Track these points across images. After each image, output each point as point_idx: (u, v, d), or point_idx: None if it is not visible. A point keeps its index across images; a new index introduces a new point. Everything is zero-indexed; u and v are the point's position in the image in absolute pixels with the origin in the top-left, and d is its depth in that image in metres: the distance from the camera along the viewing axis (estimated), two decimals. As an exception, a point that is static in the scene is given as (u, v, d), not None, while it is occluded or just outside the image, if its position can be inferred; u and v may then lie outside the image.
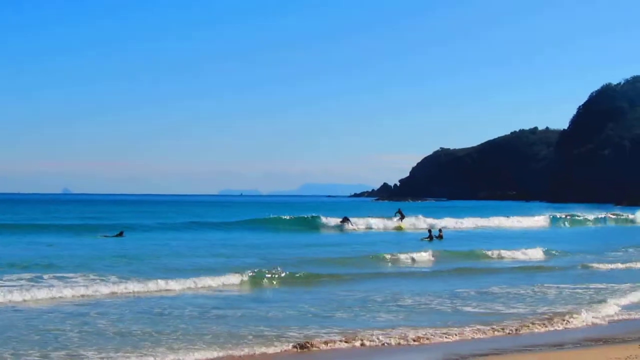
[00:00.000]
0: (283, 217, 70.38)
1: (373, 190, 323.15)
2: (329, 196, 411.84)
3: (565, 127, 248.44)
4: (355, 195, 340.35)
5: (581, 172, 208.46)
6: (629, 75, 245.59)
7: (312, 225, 66.52)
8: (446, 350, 15.79)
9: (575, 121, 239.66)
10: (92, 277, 25.84)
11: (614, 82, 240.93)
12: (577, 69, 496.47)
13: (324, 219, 68.17)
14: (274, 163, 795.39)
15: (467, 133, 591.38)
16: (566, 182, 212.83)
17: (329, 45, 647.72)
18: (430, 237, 52.12)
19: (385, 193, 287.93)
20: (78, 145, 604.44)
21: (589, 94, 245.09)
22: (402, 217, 68.89)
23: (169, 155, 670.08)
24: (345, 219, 67.72)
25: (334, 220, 67.96)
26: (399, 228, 66.01)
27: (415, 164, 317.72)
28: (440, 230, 55.90)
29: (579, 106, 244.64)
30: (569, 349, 15.98)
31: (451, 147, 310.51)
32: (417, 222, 69.29)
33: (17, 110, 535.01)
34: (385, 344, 16.37)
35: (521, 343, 16.70)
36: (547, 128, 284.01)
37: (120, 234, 52.87)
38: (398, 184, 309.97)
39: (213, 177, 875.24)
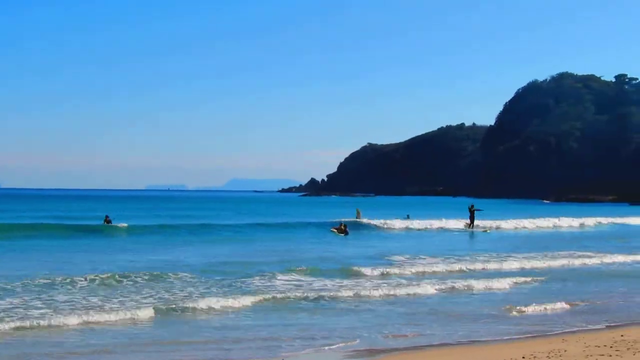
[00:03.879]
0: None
1: (301, 185, 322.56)
2: (256, 191, 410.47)
3: (492, 123, 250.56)
4: (283, 190, 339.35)
5: (507, 167, 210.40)
6: (554, 72, 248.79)
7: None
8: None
9: (502, 117, 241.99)
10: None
11: (540, 78, 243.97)
12: (504, 66, 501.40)
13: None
14: (200, 158, 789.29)
15: (395, 129, 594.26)
16: (493, 177, 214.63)
17: (256, 39, 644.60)
18: (343, 231, 50.55)
19: (313, 188, 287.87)
20: (5, 139, 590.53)
21: (515, 90, 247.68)
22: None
23: (96, 150, 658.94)
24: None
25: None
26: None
27: (342, 160, 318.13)
28: (343, 224, 51.89)
29: (506, 102, 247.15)
30: (489, 344, 15.84)
31: (379, 143, 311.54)
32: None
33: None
34: None
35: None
36: (473, 124, 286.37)
37: (108, 221, 51.25)
38: (326, 179, 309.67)
39: (139, 171, 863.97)
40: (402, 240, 47.78)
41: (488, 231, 58.73)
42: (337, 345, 15.42)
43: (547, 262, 32.11)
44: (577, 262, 32.72)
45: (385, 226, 58.93)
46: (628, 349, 14.04)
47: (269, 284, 23.57)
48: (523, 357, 13.52)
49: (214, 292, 21.27)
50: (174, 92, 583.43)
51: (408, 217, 70.73)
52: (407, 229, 59.21)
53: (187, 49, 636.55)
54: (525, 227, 64.45)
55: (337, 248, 39.18)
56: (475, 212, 60.85)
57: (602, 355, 13.50)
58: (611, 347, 14.27)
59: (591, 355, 13.48)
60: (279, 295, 21.11)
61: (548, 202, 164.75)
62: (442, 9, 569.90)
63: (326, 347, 15.29)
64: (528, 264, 30.88)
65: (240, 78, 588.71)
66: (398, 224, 60.40)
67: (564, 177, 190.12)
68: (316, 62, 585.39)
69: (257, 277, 24.51)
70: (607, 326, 17.78)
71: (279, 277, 24.77)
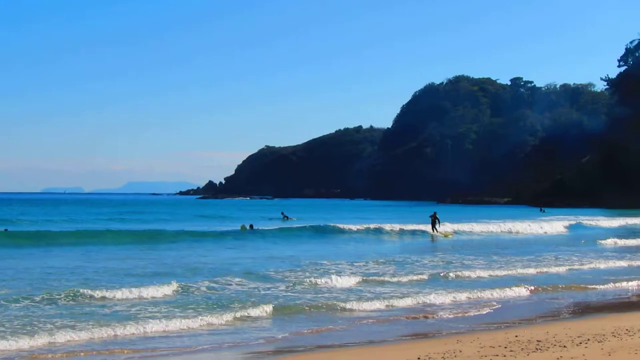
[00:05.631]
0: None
1: (198, 188, 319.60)
2: (153, 194, 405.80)
3: (389, 126, 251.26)
4: (181, 193, 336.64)
5: (405, 170, 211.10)
6: (451, 75, 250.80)
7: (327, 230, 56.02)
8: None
9: (399, 120, 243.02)
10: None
11: (437, 81, 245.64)
12: (401, 68, 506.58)
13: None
14: (97, 160, 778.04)
15: (293, 131, 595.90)
16: (390, 180, 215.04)
17: (151, 40, 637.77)
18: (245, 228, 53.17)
19: (211, 191, 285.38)
20: None
21: (412, 93, 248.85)
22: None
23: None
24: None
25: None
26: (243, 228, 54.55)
27: (240, 162, 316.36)
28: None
29: (403, 105, 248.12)
30: (385, 344, 16.04)
31: (277, 145, 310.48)
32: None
33: None
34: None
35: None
36: (371, 127, 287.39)
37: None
38: (223, 181, 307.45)
39: (35, 174, 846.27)
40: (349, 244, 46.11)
41: (449, 236, 54.63)
42: (239, 346, 15.68)
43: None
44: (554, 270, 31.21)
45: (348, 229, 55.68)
46: (522, 349, 14.33)
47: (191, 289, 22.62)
48: (418, 358, 13.75)
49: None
50: (69, 94, 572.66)
51: (286, 218, 74.64)
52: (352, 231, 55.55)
53: (80, 51, 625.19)
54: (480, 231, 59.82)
55: (243, 252, 37.76)
56: (437, 218, 55.98)
57: (497, 355, 13.74)
58: (505, 347, 14.53)
59: (486, 356, 13.72)
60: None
61: (445, 204, 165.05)
62: (339, 10, 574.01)
63: (225, 345, 15.66)
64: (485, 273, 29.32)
65: (135, 80, 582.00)
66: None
67: (460, 179, 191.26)
68: (213, 63, 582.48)
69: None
70: (501, 326, 17.96)
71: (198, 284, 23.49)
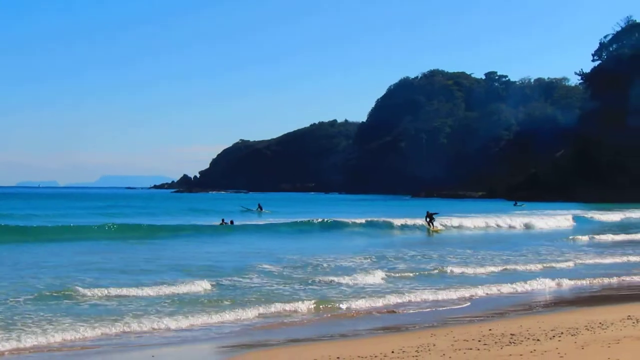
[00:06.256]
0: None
1: (173, 181, 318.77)
2: (128, 188, 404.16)
3: (364, 120, 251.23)
4: (156, 187, 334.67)
5: (379, 164, 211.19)
6: (426, 69, 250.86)
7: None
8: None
9: (374, 114, 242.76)
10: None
11: (412, 75, 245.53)
12: (376, 62, 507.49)
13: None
14: (71, 154, 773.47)
15: (268, 125, 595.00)
16: (365, 174, 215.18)
17: (123, 34, 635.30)
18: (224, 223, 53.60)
19: (186, 185, 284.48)
20: None
21: (387, 87, 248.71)
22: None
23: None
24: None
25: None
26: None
27: (215, 156, 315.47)
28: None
29: (378, 99, 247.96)
30: (359, 338, 16.12)
31: (251, 139, 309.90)
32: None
33: None
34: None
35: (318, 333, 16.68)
36: (346, 121, 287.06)
37: None
38: (198, 175, 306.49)
39: (9, 168, 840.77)
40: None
41: (440, 232, 53.58)
42: (205, 341, 15.68)
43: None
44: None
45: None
46: (496, 342, 14.39)
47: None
48: (392, 352, 13.77)
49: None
50: (42, 88, 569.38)
51: (260, 210, 79.20)
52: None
53: (54, 44, 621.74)
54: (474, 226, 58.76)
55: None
56: (433, 215, 54.77)
57: (470, 349, 13.78)
58: (479, 341, 14.60)
59: (459, 350, 13.78)
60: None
61: (419, 198, 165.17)
62: (313, 4, 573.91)
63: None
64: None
65: (109, 74, 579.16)
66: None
67: (434, 173, 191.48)
68: (187, 58, 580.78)
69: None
70: (475, 320, 18.06)
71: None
